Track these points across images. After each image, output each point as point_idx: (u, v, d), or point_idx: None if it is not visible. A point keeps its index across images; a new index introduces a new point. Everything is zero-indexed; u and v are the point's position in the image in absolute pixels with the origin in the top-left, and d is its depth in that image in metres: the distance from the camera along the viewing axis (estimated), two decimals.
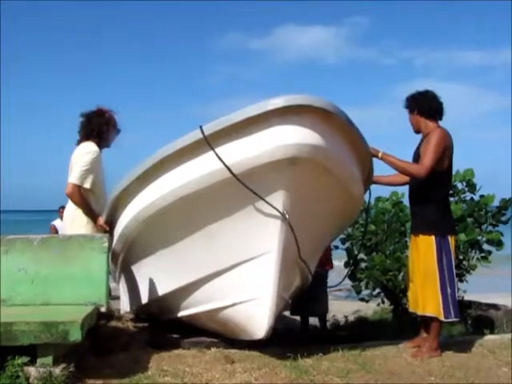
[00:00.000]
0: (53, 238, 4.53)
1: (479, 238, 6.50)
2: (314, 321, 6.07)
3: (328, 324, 6.58)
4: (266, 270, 3.94)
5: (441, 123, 4.73)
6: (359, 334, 5.59)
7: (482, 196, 6.59)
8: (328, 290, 5.92)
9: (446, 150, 4.57)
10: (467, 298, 6.73)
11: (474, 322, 5.91)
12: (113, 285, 5.48)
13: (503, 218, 6.62)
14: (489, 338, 5.32)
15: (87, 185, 4.88)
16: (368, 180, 4.71)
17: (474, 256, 6.59)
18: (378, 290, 6.98)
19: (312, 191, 4.00)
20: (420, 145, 4.71)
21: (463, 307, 6.23)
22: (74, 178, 4.86)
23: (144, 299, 4.81)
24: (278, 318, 4.36)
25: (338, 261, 7.12)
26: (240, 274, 4.06)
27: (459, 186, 6.64)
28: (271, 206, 3.84)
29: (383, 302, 7.17)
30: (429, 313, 4.62)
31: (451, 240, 4.62)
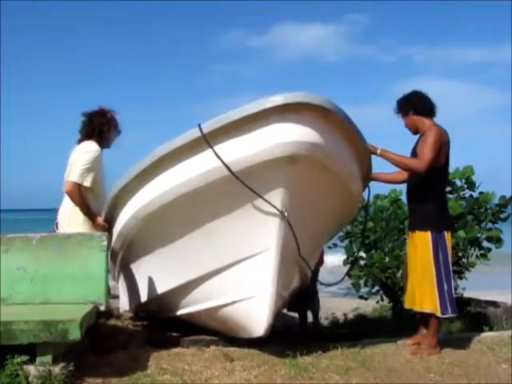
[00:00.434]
0: (52, 236, 4.52)
1: (478, 235, 6.50)
2: (312, 318, 6.07)
3: (327, 322, 6.59)
4: (265, 268, 3.94)
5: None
6: (358, 331, 5.59)
7: (481, 193, 6.59)
8: (326, 287, 5.91)
9: (442, 147, 4.59)
10: (466, 295, 6.74)
11: (473, 319, 5.92)
12: (112, 283, 5.48)
13: (502, 216, 6.63)
14: (488, 335, 5.33)
15: (87, 183, 4.88)
16: (367, 177, 4.71)
17: (474, 253, 6.59)
18: (377, 288, 6.99)
19: (311, 189, 4.00)
20: (417, 143, 4.73)
21: (462, 304, 6.23)
22: (74, 176, 4.86)
23: (143, 297, 4.81)
24: (277, 316, 4.36)
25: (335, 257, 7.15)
26: (239, 272, 4.06)
27: (458, 183, 6.64)
28: (270, 203, 3.84)
29: (382, 300, 7.18)
30: (426, 309, 4.63)
31: (448, 236, 4.63)
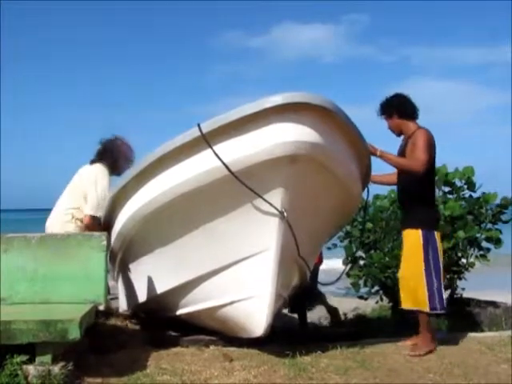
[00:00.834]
0: (51, 236, 4.52)
1: (478, 235, 6.50)
2: (311, 318, 6.07)
3: (327, 321, 6.60)
4: (264, 268, 3.94)
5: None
6: (358, 331, 5.59)
7: (483, 193, 6.59)
8: (324, 286, 5.91)
9: (432, 149, 4.68)
10: (466, 295, 6.74)
11: (472, 319, 5.92)
12: (112, 283, 5.48)
13: (504, 218, 6.62)
14: (487, 335, 5.33)
15: (100, 213, 4.98)
16: (366, 178, 4.71)
17: (473, 253, 6.59)
18: (376, 288, 6.99)
19: (310, 189, 3.99)
20: (404, 146, 4.78)
21: (462, 304, 6.24)
22: (91, 209, 5.03)
23: (142, 297, 4.81)
24: (277, 316, 4.36)
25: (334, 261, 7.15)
26: (238, 272, 4.06)
27: (458, 183, 6.64)
28: (269, 203, 3.84)
29: (382, 300, 7.18)
30: (415, 307, 4.67)
31: (438, 235, 4.72)
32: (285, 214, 3.86)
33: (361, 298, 7.29)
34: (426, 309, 4.60)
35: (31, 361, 3.40)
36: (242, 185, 3.78)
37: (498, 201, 6.59)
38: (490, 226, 6.57)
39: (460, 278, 6.61)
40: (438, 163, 6.77)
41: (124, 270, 5.16)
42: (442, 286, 4.70)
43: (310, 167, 3.84)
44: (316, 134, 3.77)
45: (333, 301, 8.29)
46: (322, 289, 6.44)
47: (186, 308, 4.58)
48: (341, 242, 7.10)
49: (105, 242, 4.25)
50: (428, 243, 4.63)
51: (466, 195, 6.68)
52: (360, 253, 6.80)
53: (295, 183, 3.86)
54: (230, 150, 3.76)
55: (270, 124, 3.71)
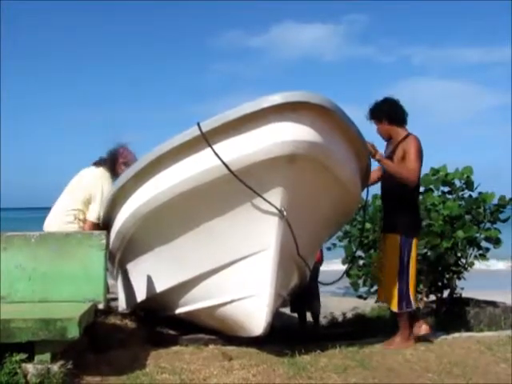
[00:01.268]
0: (51, 235, 4.52)
1: (477, 235, 6.50)
2: (309, 317, 6.07)
3: (326, 321, 6.59)
4: (263, 267, 3.94)
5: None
6: (357, 330, 5.59)
7: (480, 193, 6.59)
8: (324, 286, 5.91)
9: (420, 153, 4.77)
10: (465, 295, 6.74)
11: (472, 318, 5.92)
12: (111, 282, 5.48)
13: (502, 217, 6.62)
14: (486, 334, 5.33)
15: (100, 219, 5.05)
16: (365, 177, 4.71)
17: (472, 253, 6.59)
18: (375, 287, 6.99)
19: (310, 188, 4.00)
20: (393, 152, 4.82)
21: (461, 304, 6.24)
22: (94, 215, 5.09)
23: (142, 296, 4.81)
24: (276, 315, 4.36)
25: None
26: (238, 271, 4.06)
27: (457, 183, 6.64)
28: (269, 202, 3.84)
29: None
30: (387, 304, 4.92)
31: (415, 242, 4.84)
32: (284, 213, 3.86)
33: (360, 297, 7.30)
34: (395, 309, 4.79)
35: (30, 359, 3.40)
36: (241, 184, 3.78)
37: (495, 200, 6.59)
38: (488, 225, 6.57)
39: (459, 278, 6.61)
40: (439, 163, 6.81)
41: (123, 269, 5.15)
42: (411, 290, 4.81)
43: (309, 166, 3.84)
44: (315, 133, 3.77)
45: (332, 300, 8.30)
46: (321, 288, 6.43)
47: (186, 307, 4.58)
48: (340, 241, 7.10)
49: (104, 241, 4.25)
50: (404, 249, 4.76)
51: (466, 195, 6.68)
52: (359, 252, 6.80)
53: (294, 182, 3.86)
54: (229, 149, 3.76)
55: (269, 123, 3.71)
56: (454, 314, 5.98)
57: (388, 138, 4.95)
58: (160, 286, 4.59)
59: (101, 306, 4.18)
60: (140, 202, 4.24)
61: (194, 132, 3.82)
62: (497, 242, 6.56)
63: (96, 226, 5.04)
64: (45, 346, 3.42)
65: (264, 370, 3.92)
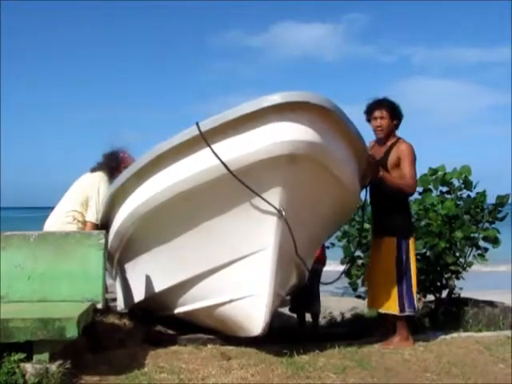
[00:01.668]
0: (50, 234, 4.52)
1: (476, 235, 6.49)
2: (308, 317, 6.07)
3: (325, 321, 6.59)
4: (262, 267, 3.94)
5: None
6: (356, 330, 5.59)
7: (478, 193, 6.59)
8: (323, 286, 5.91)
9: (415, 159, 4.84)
10: (464, 295, 6.73)
11: (470, 318, 5.91)
12: (110, 282, 5.48)
13: (499, 215, 6.61)
14: (485, 334, 5.33)
15: (98, 220, 5.11)
16: (364, 177, 4.71)
17: (471, 253, 6.58)
18: None
19: (309, 188, 4.00)
20: (385, 156, 4.82)
21: (460, 304, 6.23)
22: (92, 216, 5.17)
23: (141, 296, 4.81)
24: (275, 315, 4.36)
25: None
26: (237, 271, 4.06)
27: (456, 183, 6.63)
28: (268, 202, 3.84)
29: None
30: (386, 310, 4.83)
31: (412, 242, 4.87)
32: (283, 212, 3.86)
33: (359, 297, 7.28)
34: (396, 311, 4.76)
35: (29, 359, 3.40)
36: (240, 183, 3.79)
37: (490, 200, 6.59)
38: (487, 225, 6.56)
39: (458, 278, 6.60)
40: (437, 163, 6.81)
41: (122, 269, 5.15)
42: (413, 290, 4.82)
43: (308, 166, 3.84)
44: (314, 133, 3.77)
45: (331, 300, 8.29)
46: (321, 288, 6.43)
47: (184, 306, 4.58)
48: (339, 241, 7.09)
49: (103, 241, 4.25)
50: (402, 250, 4.78)
51: (464, 195, 6.67)
52: (358, 252, 6.79)
53: (293, 182, 3.86)
54: (228, 148, 3.76)
55: (268, 123, 3.72)
56: (452, 314, 5.97)
57: (385, 137, 4.90)
58: (159, 286, 4.59)
59: (99, 306, 4.18)
60: (139, 201, 4.24)
61: (192, 132, 3.82)
62: (495, 241, 6.54)
63: (95, 227, 5.08)
64: (43, 345, 3.42)
65: (262, 369, 3.92)
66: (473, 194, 6.62)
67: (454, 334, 5.26)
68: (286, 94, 3.71)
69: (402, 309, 4.75)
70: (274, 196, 3.85)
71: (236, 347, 4.38)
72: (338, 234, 6.83)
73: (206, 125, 3.78)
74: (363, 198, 5.10)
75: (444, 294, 6.58)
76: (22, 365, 3.37)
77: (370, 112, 4.91)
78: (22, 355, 3.39)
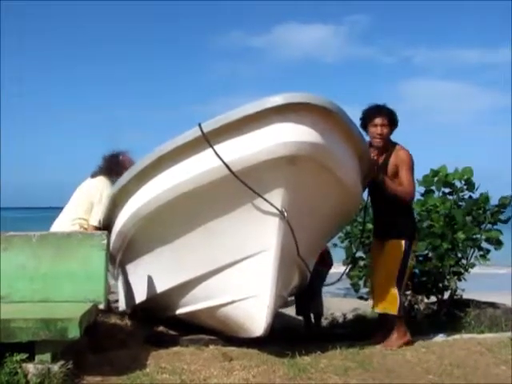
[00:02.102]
0: (52, 234, 4.52)
1: (478, 236, 6.48)
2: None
3: (327, 322, 6.58)
4: (264, 268, 3.94)
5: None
6: (357, 331, 5.59)
7: (481, 194, 6.58)
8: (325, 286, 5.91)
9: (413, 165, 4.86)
10: (466, 296, 6.72)
11: (472, 320, 5.91)
12: (112, 282, 5.49)
13: (503, 217, 6.60)
14: (487, 336, 5.32)
15: (101, 223, 5.12)
16: (366, 178, 4.71)
17: (473, 254, 6.57)
18: None
19: (311, 189, 4.00)
20: (384, 163, 4.81)
21: (462, 305, 6.23)
22: (95, 220, 5.18)
23: (143, 297, 4.81)
24: (277, 316, 4.36)
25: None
26: (239, 272, 4.06)
27: (457, 184, 6.62)
28: (270, 203, 3.84)
29: None
30: (386, 310, 4.84)
31: (414, 245, 4.94)
32: (285, 213, 3.86)
33: (361, 298, 7.27)
34: (396, 312, 4.79)
35: (31, 359, 3.41)
36: (242, 184, 3.79)
37: (493, 201, 6.57)
38: (489, 226, 6.55)
39: (460, 279, 6.60)
40: (438, 163, 6.80)
41: (124, 270, 5.16)
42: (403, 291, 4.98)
43: (310, 167, 3.84)
44: (316, 134, 3.78)
45: (333, 301, 8.29)
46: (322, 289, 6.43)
47: (186, 307, 4.58)
48: (341, 242, 7.09)
49: (105, 241, 4.25)
50: (408, 254, 4.82)
51: (466, 196, 6.66)
52: (360, 253, 6.79)
53: (295, 183, 3.86)
54: (230, 149, 3.77)
55: (270, 124, 3.72)
56: (454, 316, 5.96)
57: (383, 146, 4.84)
58: (161, 287, 4.59)
59: (101, 306, 4.18)
60: (141, 202, 4.24)
61: (195, 133, 3.82)
62: (498, 243, 6.54)
63: (98, 230, 5.06)
64: (45, 345, 3.42)
65: (264, 370, 3.92)
66: (475, 195, 6.61)
67: (456, 336, 5.25)
68: (288, 95, 3.71)
69: (399, 309, 4.78)
70: (276, 197, 3.85)
71: (238, 348, 4.38)
72: (341, 234, 6.82)
73: (209, 126, 3.78)
74: (365, 199, 5.10)
75: (446, 295, 6.57)
76: (24, 365, 3.38)
77: (369, 118, 4.84)
78: (24, 355, 3.39)
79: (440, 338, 5.07)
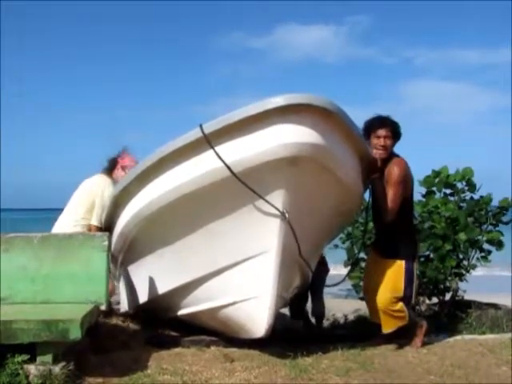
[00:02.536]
0: (53, 236, 4.53)
1: (479, 237, 6.48)
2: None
3: (328, 323, 6.58)
4: (265, 269, 3.94)
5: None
6: (359, 332, 5.58)
7: (482, 196, 6.58)
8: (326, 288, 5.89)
9: (407, 182, 4.74)
10: (467, 297, 6.72)
11: (474, 321, 5.91)
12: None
13: (505, 219, 6.60)
14: (488, 337, 5.31)
15: (102, 223, 5.11)
16: (367, 179, 4.71)
17: (474, 255, 6.57)
18: None
19: (312, 190, 4.00)
20: (382, 172, 4.74)
21: (463, 306, 6.23)
22: (96, 220, 5.16)
23: (144, 298, 4.81)
24: (278, 317, 4.36)
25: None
26: (240, 273, 4.06)
27: (459, 185, 6.62)
28: (271, 204, 3.84)
29: None
30: (398, 326, 4.77)
31: (416, 264, 4.89)
32: (286, 214, 3.86)
33: (362, 299, 7.25)
34: (406, 322, 4.77)
35: (32, 360, 3.41)
36: (243, 186, 3.79)
37: (495, 203, 6.57)
38: (491, 227, 6.55)
39: (461, 280, 6.59)
40: (439, 164, 6.80)
41: (125, 271, 5.16)
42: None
43: (311, 168, 3.84)
44: (317, 135, 3.78)
45: (334, 302, 8.28)
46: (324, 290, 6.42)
47: (188, 308, 4.58)
48: (342, 243, 7.09)
49: (106, 242, 4.26)
50: (411, 273, 4.76)
51: (467, 197, 6.66)
52: (362, 254, 6.79)
53: (296, 184, 3.86)
54: (231, 151, 3.77)
55: (271, 125, 3.72)
56: (455, 317, 5.96)
57: (385, 158, 4.73)
58: (162, 288, 4.59)
59: (103, 308, 4.19)
60: (142, 203, 4.25)
61: (196, 134, 3.83)
62: (499, 244, 6.54)
63: (99, 230, 5.07)
64: (47, 347, 3.43)
65: (266, 371, 3.92)
66: (476, 196, 6.61)
67: (458, 337, 5.25)
68: (289, 96, 3.71)
69: (409, 317, 4.77)
70: (278, 198, 3.85)
71: (239, 349, 4.38)
72: (342, 235, 6.83)
73: (210, 127, 3.78)
74: (366, 199, 5.09)
75: (447, 296, 6.58)
76: (25, 366, 3.38)
77: (373, 129, 4.75)
78: (25, 357, 3.40)
79: (441, 338, 5.06)
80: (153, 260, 4.59)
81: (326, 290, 5.88)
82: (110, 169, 5.43)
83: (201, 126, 3.80)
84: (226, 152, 3.76)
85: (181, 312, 4.68)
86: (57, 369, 3.39)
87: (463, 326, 5.72)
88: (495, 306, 6.49)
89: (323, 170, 3.92)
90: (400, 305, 4.73)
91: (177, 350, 4.39)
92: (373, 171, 4.64)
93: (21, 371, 3.36)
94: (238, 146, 3.77)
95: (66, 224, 5.26)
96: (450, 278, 6.46)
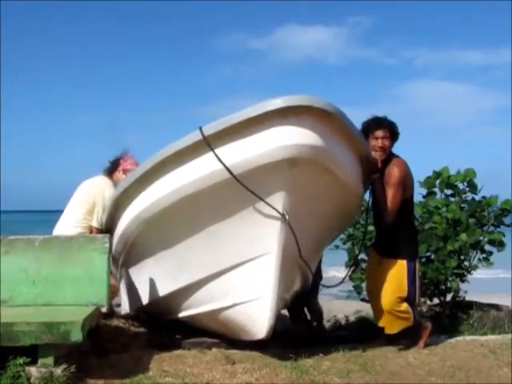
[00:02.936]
0: (54, 238, 4.53)
1: (481, 238, 6.48)
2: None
3: (329, 324, 6.57)
4: (266, 271, 3.94)
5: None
6: (360, 334, 5.58)
7: (484, 197, 6.57)
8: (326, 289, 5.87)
9: (406, 182, 4.74)
10: (469, 298, 6.72)
11: (475, 322, 5.90)
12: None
13: (506, 221, 6.59)
14: (490, 338, 5.31)
15: (102, 225, 5.11)
16: (368, 180, 4.71)
17: (476, 256, 6.57)
18: None
19: (312, 191, 4.00)
20: (383, 173, 4.74)
21: (465, 307, 6.23)
22: (97, 222, 5.17)
23: (145, 300, 4.81)
24: (279, 318, 4.36)
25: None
26: (240, 275, 4.06)
27: (460, 186, 6.61)
28: (271, 206, 3.85)
29: None
30: (403, 327, 4.78)
31: (418, 264, 4.90)
32: (286, 216, 3.86)
33: (363, 300, 7.26)
34: (411, 323, 4.78)
35: (33, 363, 3.42)
36: (243, 188, 3.79)
37: (499, 204, 6.55)
38: (492, 228, 6.54)
39: (463, 281, 6.59)
40: (440, 164, 6.79)
41: (126, 273, 5.16)
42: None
43: (311, 170, 3.84)
44: (317, 136, 3.78)
45: (335, 304, 8.27)
46: (324, 291, 6.42)
47: (189, 310, 4.58)
48: (343, 244, 7.09)
49: (107, 244, 4.26)
50: (414, 273, 4.77)
51: (469, 198, 6.66)
52: (363, 255, 6.78)
53: (296, 186, 3.86)
54: (231, 153, 3.77)
55: (271, 127, 3.72)
56: (457, 318, 5.96)
57: (384, 159, 4.73)
58: (163, 290, 4.60)
59: (104, 310, 4.19)
60: (143, 205, 4.25)
61: (196, 136, 3.83)
62: (500, 244, 6.53)
63: (100, 232, 5.07)
64: (48, 349, 3.43)
65: (267, 373, 3.92)
66: (477, 197, 6.61)
67: (459, 338, 5.25)
68: (288, 98, 3.71)
69: (414, 318, 4.78)
70: (278, 200, 3.85)
71: (240, 351, 4.38)
72: (342, 236, 6.82)
73: (210, 129, 3.79)
74: (367, 200, 5.09)
75: (449, 297, 6.57)
76: (26, 368, 3.39)
77: (370, 131, 4.74)
78: (26, 359, 3.41)
79: (443, 339, 5.06)
80: (154, 262, 4.59)
81: (326, 291, 5.87)
82: (112, 170, 5.42)
83: (200, 128, 3.80)
84: (226, 154, 3.77)
85: (182, 314, 4.68)
86: (58, 371, 3.40)
87: (464, 327, 5.71)
88: (496, 307, 6.48)
89: (323, 172, 3.92)
90: (405, 305, 4.73)
91: (178, 352, 4.39)
92: (373, 172, 4.64)
93: (22, 373, 3.36)
94: (237, 148, 3.77)
95: (66, 225, 5.26)
96: (451, 279, 6.45)
